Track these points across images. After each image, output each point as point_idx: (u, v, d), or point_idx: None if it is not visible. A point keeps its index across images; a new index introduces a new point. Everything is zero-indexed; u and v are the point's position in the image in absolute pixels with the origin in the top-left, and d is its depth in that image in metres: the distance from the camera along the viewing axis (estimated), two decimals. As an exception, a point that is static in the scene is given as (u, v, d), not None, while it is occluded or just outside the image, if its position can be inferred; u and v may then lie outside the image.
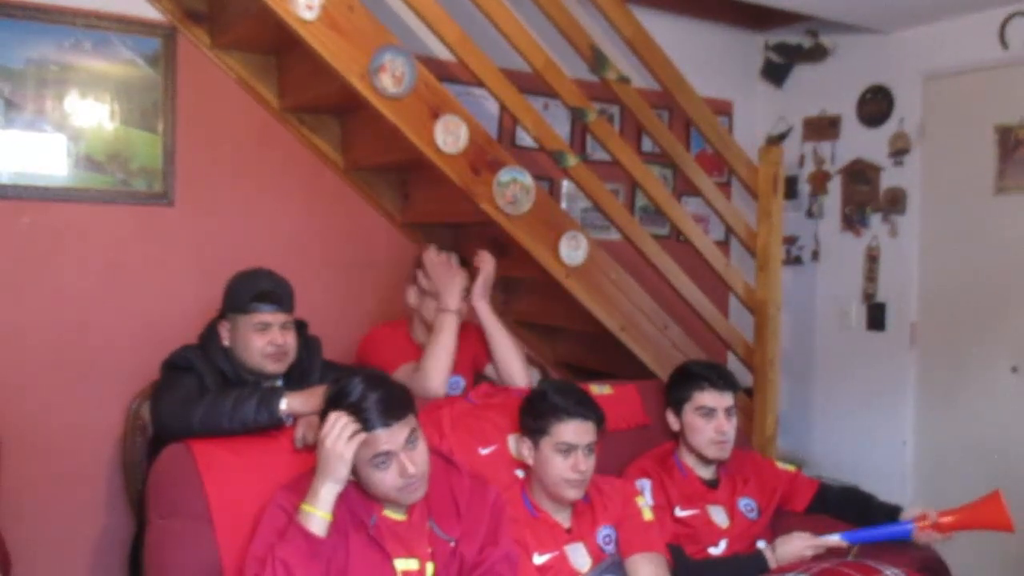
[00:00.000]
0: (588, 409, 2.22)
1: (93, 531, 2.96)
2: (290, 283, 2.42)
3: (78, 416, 2.91)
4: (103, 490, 2.96)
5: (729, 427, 2.51)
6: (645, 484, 2.47)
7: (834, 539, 2.36)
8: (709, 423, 2.51)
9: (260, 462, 2.14)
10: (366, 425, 1.85)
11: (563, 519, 2.23)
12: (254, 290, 2.35)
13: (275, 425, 2.18)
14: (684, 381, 2.59)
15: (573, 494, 2.20)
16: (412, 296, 2.70)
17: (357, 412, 1.86)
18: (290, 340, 2.36)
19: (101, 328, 2.95)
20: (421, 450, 1.92)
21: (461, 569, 1.99)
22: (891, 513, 2.51)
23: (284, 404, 2.17)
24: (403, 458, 1.87)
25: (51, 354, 2.88)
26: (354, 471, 1.89)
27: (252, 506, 2.04)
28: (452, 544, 1.98)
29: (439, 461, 2.05)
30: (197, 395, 2.25)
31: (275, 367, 2.34)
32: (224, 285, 2.42)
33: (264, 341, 2.32)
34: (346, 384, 1.91)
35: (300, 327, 2.47)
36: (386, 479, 1.88)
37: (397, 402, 1.91)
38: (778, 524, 2.61)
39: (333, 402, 1.90)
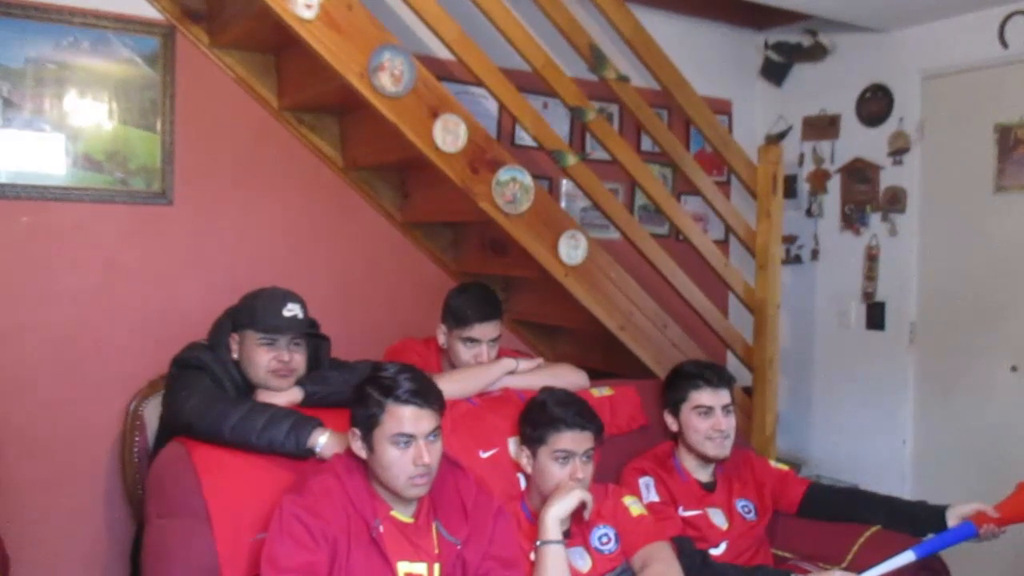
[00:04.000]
0: (586, 419, 2.23)
1: (92, 530, 2.95)
2: (305, 303, 2.36)
3: (77, 415, 2.90)
4: (102, 489, 2.96)
5: (727, 424, 2.52)
6: (648, 481, 2.47)
7: (906, 555, 2.26)
8: (706, 421, 2.51)
9: (257, 461, 2.13)
10: (398, 399, 1.91)
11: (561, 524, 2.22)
12: (273, 321, 2.29)
13: (301, 455, 2.11)
14: (680, 381, 2.59)
15: None
16: (442, 337, 2.66)
17: (391, 387, 1.92)
18: (297, 358, 2.33)
19: (99, 327, 2.95)
20: (438, 448, 1.96)
21: (464, 573, 1.99)
22: (899, 506, 2.55)
23: (319, 439, 2.11)
24: (422, 445, 1.90)
25: (50, 354, 2.88)
26: (369, 451, 1.93)
27: (250, 505, 2.05)
28: (458, 546, 1.99)
29: (446, 463, 2.07)
30: (222, 396, 2.24)
31: (279, 383, 2.30)
32: (241, 300, 2.38)
33: (270, 357, 2.30)
34: (382, 365, 2.02)
35: (311, 326, 2.44)
36: (400, 460, 1.90)
37: (429, 391, 1.96)
38: (773, 526, 2.61)
39: (370, 379, 1.96)
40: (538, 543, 2.10)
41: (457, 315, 2.60)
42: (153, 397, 2.81)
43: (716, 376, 2.56)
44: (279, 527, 1.86)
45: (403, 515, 1.97)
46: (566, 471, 2.18)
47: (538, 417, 2.25)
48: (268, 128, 3.20)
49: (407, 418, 1.90)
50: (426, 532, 1.98)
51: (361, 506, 1.92)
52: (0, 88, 2.78)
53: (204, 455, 2.13)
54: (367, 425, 1.92)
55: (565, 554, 2.11)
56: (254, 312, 2.32)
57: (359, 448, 1.95)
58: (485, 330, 2.59)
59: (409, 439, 1.90)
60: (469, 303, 2.60)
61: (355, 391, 2.00)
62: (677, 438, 2.61)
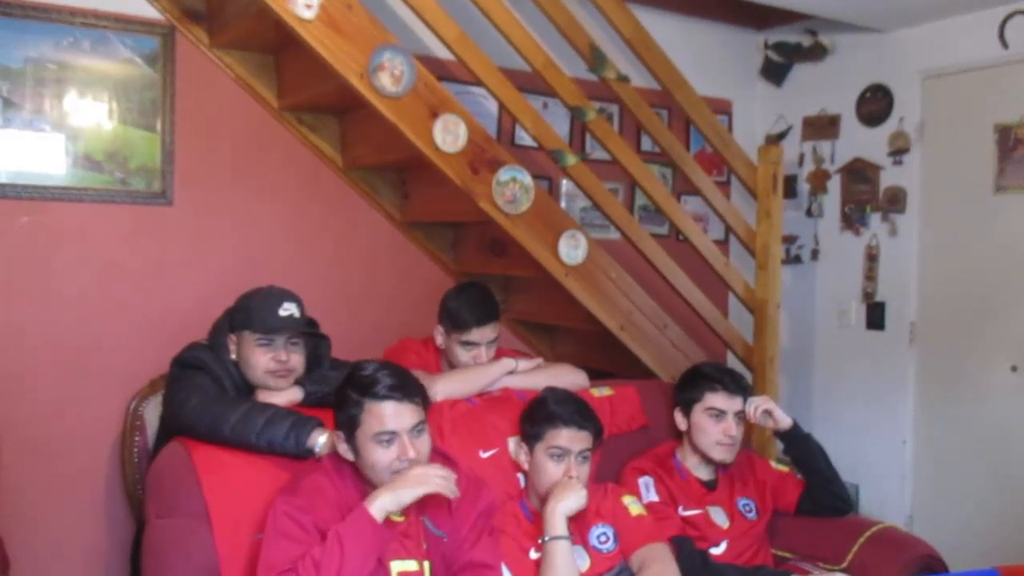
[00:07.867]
0: (585, 419, 2.24)
1: (92, 531, 2.95)
2: (302, 302, 2.36)
3: (77, 415, 2.91)
4: (102, 489, 2.96)
5: (737, 431, 2.53)
6: (648, 481, 2.48)
7: None
8: (718, 425, 2.52)
9: (257, 461, 2.14)
10: (375, 396, 1.88)
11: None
12: (270, 321, 2.29)
13: (301, 455, 2.11)
14: (696, 381, 2.61)
15: None
16: (440, 338, 2.66)
17: (369, 385, 1.89)
18: (295, 358, 2.33)
19: (100, 327, 2.95)
20: (424, 441, 1.95)
21: (448, 565, 1.99)
22: None
23: (319, 439, 2.11)
24: (406, 441, 1.89)
25: (50, 354, 2.88)
26: (354, 454, 1.92)
27: (249, 505, 2.05)
28: (444, 539, 1.99)
29: (436, 458, 2.06)
30: (222, 396, 2.23)
31: (277, 383, 2.30)
32: (238, 300, 2.38)
33: (268, 357, 2.29)
34: (362, 362, 1.97)
35: (310, 325, 2.44)
36: (384, 458, 1.88)
37: (409, 385, 1.94)
38: (774, 526, 2.62)
39: (348, 380, 1.94)
40: (545, 539, 2.10)
41: (455, 319, 2.59)
42: (153, 397, 2.81)
43: (734, 383, 2.58)
44: (272, 529, 1.86)
45: (395, 515, 1.96)
46: (561, 469, 2.18)
47: (537, 414, 2.27)
48: (268, 128, 3.20)
49: (388, 415, 1.88)
50: (416, 528, 1.98)
51: (353, 505, 1.92)
52: (0, 88, 2.78)
53: (204, 455, 2.13)
54: (349, 427, 1.91)
55: (572, 550, 2.11)
56: (250, 312, 2.32)
57: (345, 451, 1.94)
58: (483, 333, 2.58)
59: (392, 436, 1.88)
60: (466, 306, 2.59)
61: (336, 393, 1.98)
62: (682, 437, 2.61)
